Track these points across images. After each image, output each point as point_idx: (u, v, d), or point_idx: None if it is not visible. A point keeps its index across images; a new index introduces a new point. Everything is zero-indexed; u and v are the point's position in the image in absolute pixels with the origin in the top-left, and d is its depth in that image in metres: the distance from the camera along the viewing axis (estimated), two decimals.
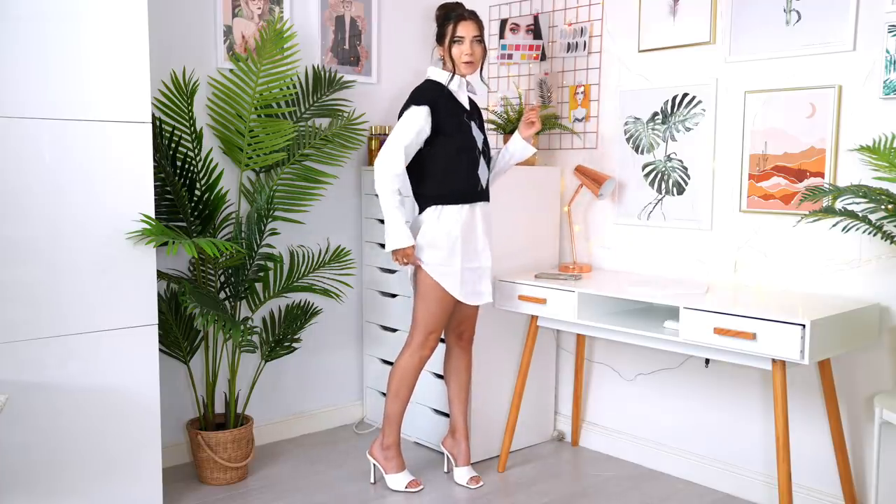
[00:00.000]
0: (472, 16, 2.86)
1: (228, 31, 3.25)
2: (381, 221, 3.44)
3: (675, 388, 3.19)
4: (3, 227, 2.35)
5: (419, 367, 2.94)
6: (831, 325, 2.36)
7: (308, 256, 3.29)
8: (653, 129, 3.18)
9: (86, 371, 2.51)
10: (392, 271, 3.54)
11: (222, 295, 3.12)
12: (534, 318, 3.13)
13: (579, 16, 3.43)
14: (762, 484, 2.91)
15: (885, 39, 2.52)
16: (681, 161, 3.10)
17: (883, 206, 2.29)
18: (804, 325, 2.27)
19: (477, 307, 3.03)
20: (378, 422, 3.66)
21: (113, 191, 2.53)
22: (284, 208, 3.20)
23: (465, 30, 2.83)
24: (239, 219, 3.15)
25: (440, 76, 2.88)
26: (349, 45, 3.64)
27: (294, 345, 3.34)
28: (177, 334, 3.04)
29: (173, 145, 2.94)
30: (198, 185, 3.03)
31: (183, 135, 3.00)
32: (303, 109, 3.42)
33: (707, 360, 2.95)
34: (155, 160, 2.82)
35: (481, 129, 2.95)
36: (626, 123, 3.27)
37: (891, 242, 2.33)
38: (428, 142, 2.81)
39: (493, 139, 3.58)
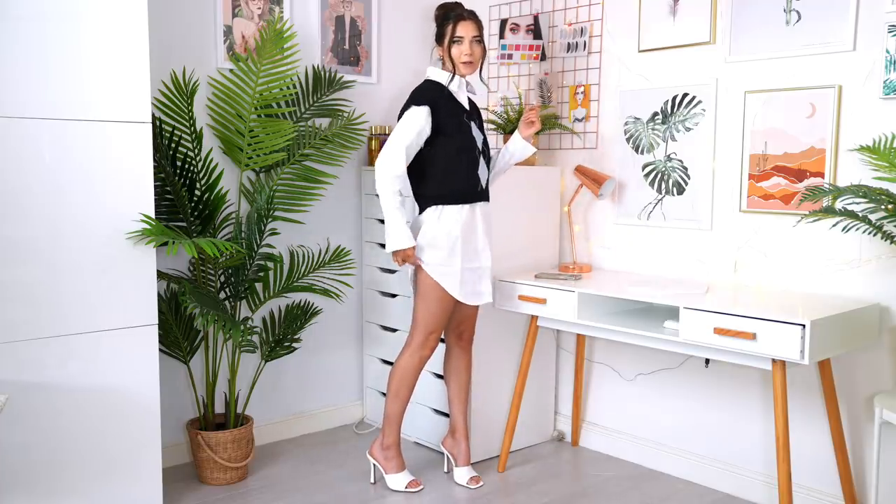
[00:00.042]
0: (472, 16, 2.86)
1: (228, 31, 3.25)
2: (382, 221, 3.44)
3: (675, 388, 3.19)
4: (3, 227, 2.35)
5: (419, 367, 2.94)
6: (831, 325, 2.36)
7: (308, 256, 3.29)
8: (653, 129, 3.18)
9: (86, 371, 2.51)
10: (392, 271, 3.54)
11: (222, 295, 3.12)
12: (534, 318, 3.13)
13: (579, 16, 3.43)
14: (762, 484, 2.91)
15: (885, 39, 2.52)
16: (681, 161, 3.10)
17: (883, 206, 2.29)
18: (804, 325, 2.27)
19: (477, 307, 3.03)
20: (378, 422, 3.66)
21: (113, 191, 2.53)
22: (284, 208, 3.20)
23: (465, 30, 2.82)
24: (239, 219, 3.15)
25: (440, 76, 2.88)
26: (349, 45, 3.64)
27: (294, 345, 3.34)
28: (177, 334, 3.04)
29: (173, 145, 2.94)
30: (198, 185, 3.03)
31: (183, 135, 3.00)
32: (303, 109, 3.42)
33: (707, 360, 2.95)
34: (155, 160, 2.82)
35: (481, 129, 2.95)
36: (626, 123, 3.27)
37: (891, 242, 2.33)
38: (428, 142, 2.81)
39: (493, 139, 3.58)
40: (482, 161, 2.91)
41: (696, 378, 3.11)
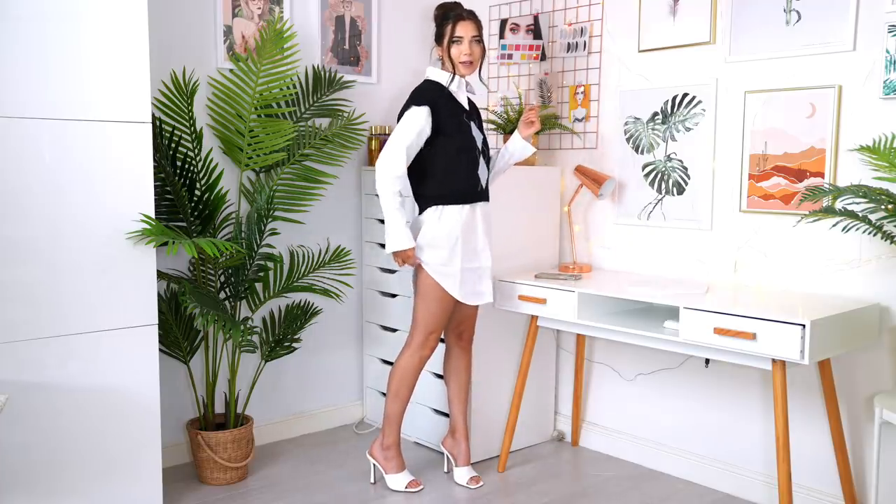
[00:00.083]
0: (471, 16, 2.86)
1: (228, 31, 3.25)
2: (382, 221, 3.44)
3: (675, 388, 3.19)
4: (3, 227, 2.35)
5: (419, 367, 2.94)
6: (831, 325, 2.36)
7: (308, 256, 3.29)
8: (653, 129, 3.18)
9: (86, 371, 2.51)
10: (392, 271, 3.54)
11: (222, 295, 3.12)
12: (534, 318, 3.13)
13: (579, 16, 3.43)
14: (762, 484, 2.91)
15: (885, 39, 2.52)
16: (681, 161, 3.10)
17: (883, 206, 2.29)
18: (804, 325, 2.27)
19: (477, 307, 3.03)
20: (378, 422, 3.66)
21: (113, 191, 2.53)
22: (284, 208, 3.20)
23: (464, 30, 2.82)
24: (239, 219, 3.15)
25: (439, 76, 2.88)
26: (349, 45, 3.64)
27: (294, 345, 3.34)
28: (177, 334, 3.04)
29: (173, 145, 2.94)
30: (198, 185, 3.03)
31: (183, 135, 3.00)
32: (303, 109, 3.42)
33: (707, 360, 2.95)
34: (155, 160, 2.82)
35: (480, 129, 2.95)
36: (626, 123, 3.27)
37: (891, 242, 2.33)
38: (428, 142, 2.81)
39: (493, 139, 3.58)
40: (482, 161, 2.91)
41: (696, 378, 3.11)
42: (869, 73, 2.58)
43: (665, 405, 3.23)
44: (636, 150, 3.24)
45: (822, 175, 2.70)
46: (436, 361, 3.22)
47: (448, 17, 2.84)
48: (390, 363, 3.55)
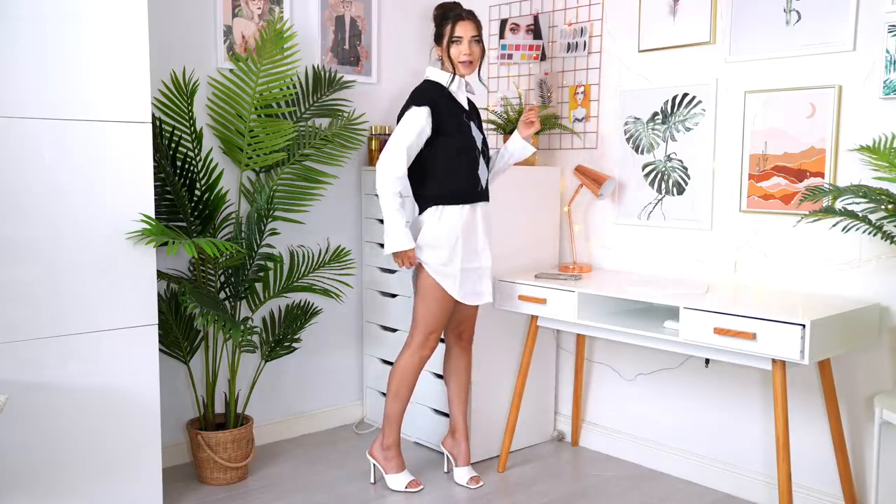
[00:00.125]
0: (471, 16, 2.86)
1: (228, 31, 3.25)
2: (381, 221, 3.44)
3: (675, 388, 3.19)
4: (3, 227, 2.35)
5: (419, 367, 2.94)
6: (831, 325, 2.36)
7: (308, 256, 3.29)
8: (653, 129, 3.18)
9: (86, 371, 2.51)
10: (392, 271, 3.54)
11: (222, 295, 3.12)
12: (534, 318, 3.13)
13: (579, 16, 3.43)
14: (762, 484, 2.91)
15: (885, 39, 2.52)
16: (681, 161, 3.10)
17: (883, 206, 2.29)
18: (804, 325, 2.27)
19: (477, 307, 3.03)
20: (378, 422, 3.66)
21: (113, 191, 2.53)
22: (284, 208, 3.20)
23: (464, 30, 2.82)
24: (239, 219, 3.15)
25: (439, 76, 2.88)
26: (349, 45, 3.64)
27: (294, 345, 3.34)
28: (177, 334, 3.04)
29: (173, 145, 2.94)
30: (198, 185, 3.03)
31: (183, 135, 3.00)
32: (303, 109, 3.42)
33: (707, 360, 2.95)
34: (155, 160, 2.82)
35: (480, 129, 2.95)
36: (626, 123, 3.27)
37: (891, 242, 2.33)
38: (428, 142, 2.81)
39: (493, 139, 3.58)
40: (482, 161, 2.91)
41: (696, 378, 3.11)
42: (869, 73, 2.58)
43: (665, 405, 3.23)
44: (636, 150, 3.24)
45: (822, 175, 2.70)
46: (436, 361, 3.22)
47: (447, 17, 2.84)
48: (390, 363, 3.55)
